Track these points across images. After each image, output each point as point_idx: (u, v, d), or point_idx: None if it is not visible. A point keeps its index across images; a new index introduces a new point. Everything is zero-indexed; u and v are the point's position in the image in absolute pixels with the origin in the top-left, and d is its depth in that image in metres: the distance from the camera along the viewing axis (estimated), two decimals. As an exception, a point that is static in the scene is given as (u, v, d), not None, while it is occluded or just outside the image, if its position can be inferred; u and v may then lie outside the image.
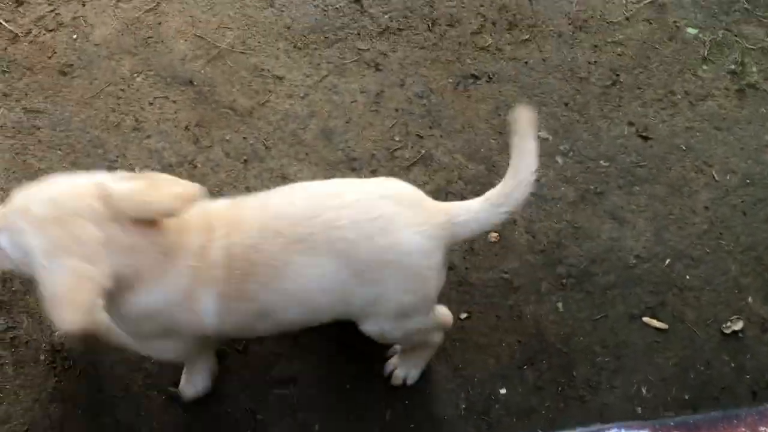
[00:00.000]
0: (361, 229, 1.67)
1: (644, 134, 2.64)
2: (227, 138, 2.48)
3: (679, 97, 2.73)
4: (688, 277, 2.44)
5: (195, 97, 2.52)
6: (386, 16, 2.74)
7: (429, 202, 1.87)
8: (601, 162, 2.58)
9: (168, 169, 2.40)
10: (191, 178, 2.39)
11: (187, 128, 2.47)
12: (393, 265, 1.71)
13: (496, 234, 2.45)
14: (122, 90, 2.50)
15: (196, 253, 1.60)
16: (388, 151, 2.54)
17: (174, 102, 2.50)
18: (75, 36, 2.56)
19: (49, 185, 1.52)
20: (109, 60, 2.54)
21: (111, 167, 2.37)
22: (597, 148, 2.60)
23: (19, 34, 2.52)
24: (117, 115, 2.46)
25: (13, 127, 2.39)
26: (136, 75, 2.53)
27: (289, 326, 1.86)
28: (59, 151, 2.38)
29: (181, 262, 1.58)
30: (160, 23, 2.62)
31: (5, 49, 2.50)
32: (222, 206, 1.72)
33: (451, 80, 2.68)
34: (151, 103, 2.49)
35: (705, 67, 2.80)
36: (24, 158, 2.36)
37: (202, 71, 2.56)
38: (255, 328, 1.80)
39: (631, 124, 2.66)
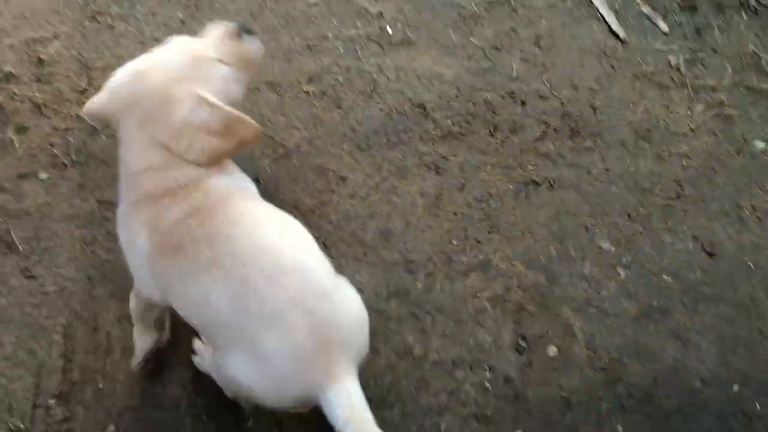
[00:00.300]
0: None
1: (710, 250, 2.58)
2: (288, 236, 2.51)
3: (747, 212, 2.67)
4: (757, 405, 2.32)
5: (261, 193, 2.57)
6: (448, 121, 2.78)
7: None
8: (665, 277, 2.52)
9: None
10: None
11: (249, 225, 2.51)
12: None
13: (555, 348, 2.39)
14: (190, 185, 2.57)
15: (170, 198, 1.80)
16: (446, 255, 2.53)
17: (239, 199, 2.56)
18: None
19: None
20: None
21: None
22: (660, 262, 2.55)
23: (98, 129, 2.64)
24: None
25: (85, 218, 2.47)
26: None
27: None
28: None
29: (158, 192, 1.80)
30: (230, 121, 2.71)
31: (84, 142, 2.62)
32: (224, 192, 1.88)
33: (511, 186, 2.68)
34: (217, 199, 2.55)
35: (773, 182, 2.74)
36: (92, 248, 2.43)
37: (269, 169, 2.63)
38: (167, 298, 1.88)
39: (695, 238, 2.60)
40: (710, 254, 2.57)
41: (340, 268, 2.45)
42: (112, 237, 2.45)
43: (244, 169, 2.62)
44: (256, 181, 2.58)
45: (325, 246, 2.50)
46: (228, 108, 1.87)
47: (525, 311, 2.45)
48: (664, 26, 3.09)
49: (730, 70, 3.00)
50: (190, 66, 1.89)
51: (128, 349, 2.22)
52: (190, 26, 2.93)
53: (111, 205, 2.51)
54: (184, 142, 1.81)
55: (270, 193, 2.57)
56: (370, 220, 2.57)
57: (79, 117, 2.67)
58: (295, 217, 2.51)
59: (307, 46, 2.92)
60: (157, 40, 2.83)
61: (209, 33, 2.09)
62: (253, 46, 2.11)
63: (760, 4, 3.22)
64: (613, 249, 2.57)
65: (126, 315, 2.20)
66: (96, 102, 1.89)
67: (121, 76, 1.89)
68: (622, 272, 2.53)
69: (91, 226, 2.47)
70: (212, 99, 1.84)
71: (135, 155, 1.84)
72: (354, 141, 2.71)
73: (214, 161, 1.87)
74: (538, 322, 2.44)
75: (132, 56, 2.74)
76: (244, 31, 2.08)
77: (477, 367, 2.36)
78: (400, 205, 2.61)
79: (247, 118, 1.91)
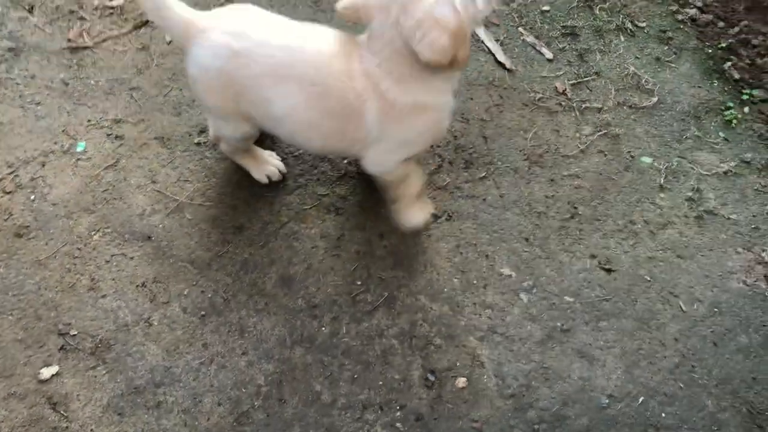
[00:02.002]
0: None
1: (607, 266, 2.63)
2: (185, 293, 2.44)
3: (639, 226, 2.74)
4: (663, 415, 2.36)
5: (152, 253, 2.50)
6: (345, 161, 2.78)
7: None
8: (566, 298, 2.56)
9: (123, 329, 2.35)
10: (146, 336, 2.35)
11: (144, 285, 2.44)
12: None
13: (464, 379, 2.38)
14: (79, 249, 2.48)
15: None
16: (350, 296, 2.51)
17: (131, 259, 2.48)
18: (33, 197, 2.57)
19: None
20: (67, 219, 2.54)
21: (63, 331, 2.32)
22: (561, 284, 2.58)
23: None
24: (72, 275, 2.43)
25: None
26: (93, 233, 2.52)
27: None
28: (10, 317, 2.33)
29: None
30: (119, 179, 2.64)
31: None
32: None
33: (411, 220, 2.69)
34: (107, 261, 2.47)
35: (662, 195, 2.83)
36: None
37: (161, 225, 2.56)
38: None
39: (593, 256, 2.65)
40: (608, 270, 2.62)
41: (240, 320, 2.40)
42: None
43: (134, 228, 2.57)
44: (148, 238, 2.52)
45: (224, 300, 2.44)
46: (465, 19, 2.01)
47: (432, 345, 2.44)
48: (548, 53, 3.20)
49: (613, 91, 3.11)
50: None
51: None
52: (74, 87, 2.86)
53: None
54: (420, 33, 1.97)
55: (163, 250, 2.51)
56: (270, 267, 2.53)
57: (-45, 188, 2.56)
58: (191, 273, 2.48)
59: (197, 97, 2.89)
60: (39, 104, 2.77)
61: None
62: None
63: (636, 26, 3.37)
64: (514, 275, 2.59)
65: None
66: None
67: None
68: (524, 297, 2.55)
69: None
70: (458, 3, 1.98)
71: (374, 51, 2.09)
72: (249, 189, 2.67)
73: (436, 62, 2.02)
74: (445, 355, 2.43)
75: (11, 123, 2.68)
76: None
77: (387, 407, 2.33)
78: (300, 249, 2.58)
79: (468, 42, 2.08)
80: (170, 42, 3.02)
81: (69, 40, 2.98)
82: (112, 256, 2.48)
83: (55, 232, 2.51)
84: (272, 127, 2.31)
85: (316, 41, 2.17)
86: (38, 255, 2.46)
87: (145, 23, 3.06)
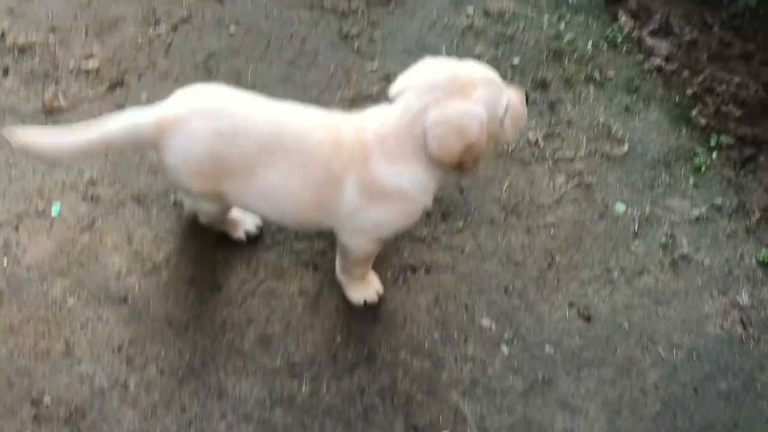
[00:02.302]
0: None
1: (586, 315, 2.64)
2: (162, 355, 2.40)
3: (616, 274, 2.77)
4: (648, 465, 2.34)
5: (129, 315, 2.47)
6: (322, 216, 2.79)
7: None
8: (547, 347, 2.56)
9: (98, 394, 2.30)
10: (122, 401, 2.30)
11: (120, 348, 2.40)
12: None
13: (446, 433, 2.36)
14: (53, 314, 2.44)
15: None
16: (330, 353, 2.48)
17: (107, 321, 2.44)
18: (6, 260, 2.53)
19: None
20: (41, 283, 2.50)
21: (36, 400, 2.27)
22: (541, 334, 2.59)
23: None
24: (46, 341, 2.38)
25: None
26: (68, 296, 2.48)
27: None
28: (-19, 386, 2.27)
29: None
30: (95, 241, 2.62)
31: None
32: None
33: (389, 274, 2.69)
34: (83, 325, 2.43)
35: (637, 242, 2.87)
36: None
37: (137, 286, 2.53)
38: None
39: (571, 305, 2.67)
40: (587, 319, 2.63)
41: (219, 382, 2.37)
42: None
43: (110, 290, 2.53)
44: (125, 300, 2.49)
45: (202, 361, 2.40)
46: (487, 138, 2.11)
47: (414, 401, 2.42)
48: (519, 104, 3.26)
49: (585, 141, 3.18)
50: (490, 83, 2.14)
51: None
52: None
53: None
54: (440, 129, 2.05)
55: (140, 312, 2.48)
56: (249, 326, 2.50)
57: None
58: (168, 334, 2.45)
59: (173, 156, 2.89)
60: (13, 166, 2.75)
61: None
62: (524, 111, 2.33)
63: (605, 77, 3.46)
64: (494, 326, 2.59)
65: None
66: (400, 81, 2.18)
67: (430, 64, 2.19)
68: (505, 348, 2.55)
69: None
70: (485, 119, 2.07)
71: (387, 126, 2.13)
72: (226, 248, 2.66)
73: (438, 159, 2.09)
74: (428, 411, 2.40)
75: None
76: (526, 98, 2.35)
77: (370, 467, 2.29)
78: (279, 307, 2.56)
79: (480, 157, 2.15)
80: (147, 100, 3.03)
81: (43, 103, 2.98)
82: (88, 319, 2.44)
83: (28, 296, 2.47)
84: (252, 202, 2.26)
85: (299, 114, 2.21)
86: (11, 321, 2.41)
87: (121, 83, 3.08)
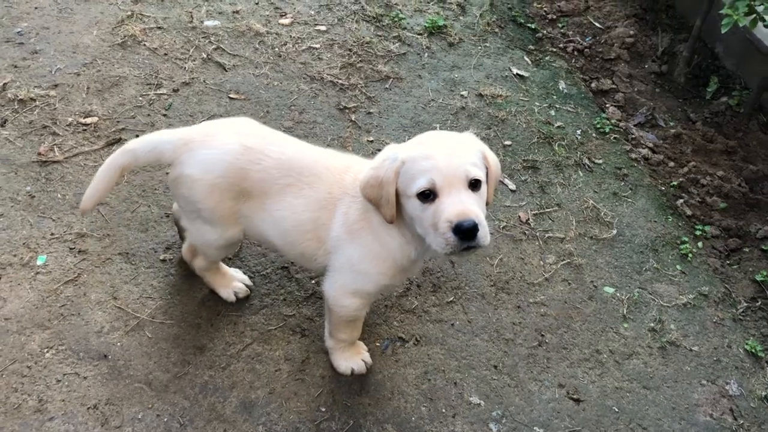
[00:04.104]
0: None
1: (575, 396, 2.60)
2: (139, 416, 2.30)
3: (605, 356, 2.75)
4: None
5: (108, 372, 2.38)
6: (312, 282, 2.76)
7: None
8: (536, 429, 2.49)
9: (68, 455, 2.18)
10: (94, 465, 2.18)
11: (95, 407, 2.29)
12: None
13: None
14: (28, 367, 2.34)
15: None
16: (314, 423, 2.40)
17: (84, 378, 2.35)
18: (-15, 310, 2.45)
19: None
20: (19, 335, 2.41)
21: (2, 457, 2.15)
22: (530, 414, 2.53)
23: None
24: (19, 395, 2.27)
25: None
26: (46, 350, 2.39)
27: None
28: (-55, 441, 2.15)
29: None
30: (78, 295, 2.56)
31: None
32: None
33: (378, 343, 2.64)
34: (58, 381, 2.33)
35: (626, 325, 2.86)
36: None
37: (119, 344, 2.45)
38: None
39: (561, 386, 2.62)
40: (576, 401, 2.59)
41: (196, 448, 2.26)
42: None
43: (90, 346, 2.45)
44: (104, 357, 2.41)
45: (180, 425, 2.30)
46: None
47: (399, 478, 2.32)
48: (511, 185, 3.32)
49: (574, 223, 3.22)
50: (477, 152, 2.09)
51: None
52: (40, 199, 2.82)
53: None
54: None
55: (119, 370, 2.39)
56: (231, 391, 2.42)
57: None
58: (147, 394, 2.36)
59: (165, 214, 2.87)
60: (1, 216, 2.71)
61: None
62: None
63: (593, 162, 3.55)
64: (482, 403, 2.53)
65: None
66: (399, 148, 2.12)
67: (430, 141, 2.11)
68: (493, 427, 2.48)
69: None
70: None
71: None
72: (213, 308, 2.61)
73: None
74: (413, 489, 2.31)
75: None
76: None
77: None
78: (263, 372, 2.49)
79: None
80: (142, 159, 3.04)
81: (39, 154, 2.97)
82: (64, 375, 2.34)
83: (4, 348, 2.37)
84: (261, 225, 2.29)
85: (318, 148, 2.34)
86: (-17, 374, 2.31)
87: (118, 140, 3.09)
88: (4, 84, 3.23)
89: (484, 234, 1.95)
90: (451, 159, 1.98)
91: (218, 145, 2.23)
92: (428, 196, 1.98)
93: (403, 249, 2.18)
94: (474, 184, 2.00)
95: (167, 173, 3.00)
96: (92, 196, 2.32)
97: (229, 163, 2.20)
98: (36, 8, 3.67)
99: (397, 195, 2.05)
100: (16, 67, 3.34)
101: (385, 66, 3.83)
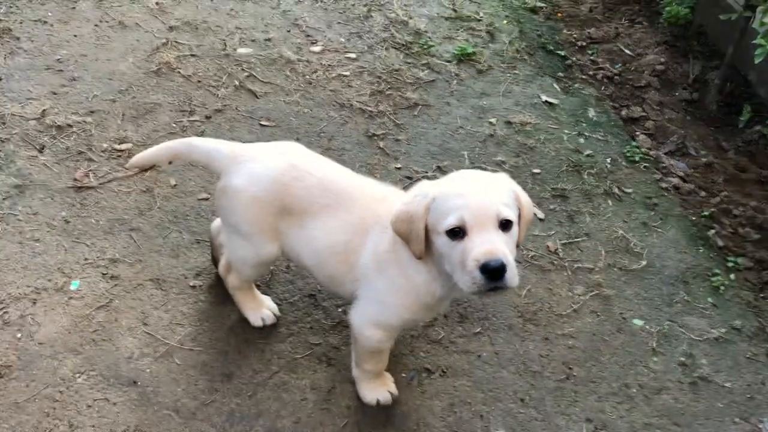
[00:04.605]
0: None
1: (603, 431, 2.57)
2: (167, 444, 2.33)
3: (634, 390, 2.71)
4: None
5: (137, 399, 2.41)
6: (339, 310, 2.77)
7: None
8: (563, 464, 2.47)
9: (97, 481, 2.21)
10: (122, 491, 2.20)
11: (124, 433, 2.33)
12: None
13: None
14: (60, 392, 2.39)
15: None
16: (339, 454, 2.40)
17: (114, 404, 2.38)
18: (19, 335, 2.51)
19: None
20: (52, 360, 2.46)
21: (33, 482, 2.18)
22: (557, 449, 2.50)
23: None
24: (51, 420, 2.31)
25: None
26: (77, 375, 2.43)
27: None
28: (-21, 464, 2.19)
29: None
30: (110, 320, 2.60)
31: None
32: None
33: (404, 374, 2.64)
34: (89, 406, 2.37)
35: (655, 359, 2.82)
36: None
37: (148, 370, 2.49)
38: None
39: (589, 420, 2.59)
40: (604, 436, 2.56)
41: (222, 477, 2.27)
42: None
43: (120, 372, 2.49)
44: (134, 383, 2.45)
45: (207, 452, 2.32)
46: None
47: None
48: (540, 214, 3.31)
49: (603, 253, 3.20)
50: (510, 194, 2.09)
51: None
52: (74, 225, 2.89)
53: None
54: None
55: (148, 396, 2.42)
56: (257, 419, 2.43)
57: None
58: (175, 422, 2.38)
59: (196, 240, 2.92)
60: (37, 241, 2.78)
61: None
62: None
63: (623, 191, 3.52)
64: (509, 437, 2.51)
65: None
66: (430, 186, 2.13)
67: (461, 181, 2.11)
68: (520, 461, 2.46)
69: None
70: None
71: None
72: (241, 335, 2.64)
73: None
74: None
75: (8, 258, 2.67)
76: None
77: None
78: (289, 401, 2.50)
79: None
80: (175, 185, 3.10)
81: (75, 180, 3.05)
82: (95, 400, 2.38)
83: (38, 373, 2.42)
84: (297, 244, 2.34)
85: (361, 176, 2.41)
86: (17, 397, 2.35)
87: (152, 167, 3.15)
88: (44, 110, 3.32)
89: (512, 275, 1.95)
90: (482, 197, 1.98)
91: (265, 160, 2.33)
92: (457, 233, 1.98)
93: (429, 285, 2.19)
94: (505, 225, 2.00)
95: (199, 199, 3.07)
96: (140, 160, 2.54)
97: (273, 178, 2.29)
98: (75, 36, 3.78)
99: (427, 231, 2.06)
100: (55, 93, 3.43)
101: (414, 93, 3.86)
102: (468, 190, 2.01)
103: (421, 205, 2.05)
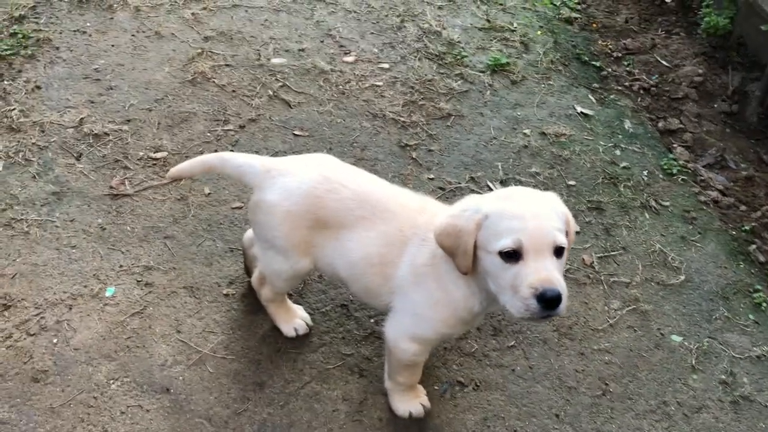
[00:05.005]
0: None
1: (642, 450, 2.50)
2: (199, 452, 2.32)
3: (673, 408, 2.64)
4: None
5: (170, 406, 2.41)
6: (371, 321, 2.75)
7: None
8: (599, 482, 2.41)
9: (130, 488, 2.21)
10: (154, 499, 2.20)
11: (157, 441, 2.33)
12: None
13: None
14: (95, 398, 2.40)
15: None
16: (371, 467, 2.37)
17: (147, 411, 2.39)
18: (56, 340, 2.53)
19: None
20: (87, 365, 2.48)
21: (67, 488, 2.19)
22: (593, 466, 2.45)
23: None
24: (85, 425, 2.32)
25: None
26: (111, 381, 2.45)
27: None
28: (14, 468, 2.21)
29: None
30: (144, 327, 2.61)
31: (-15, 352, 2.46)
32: None
33: (436, 387, 2.61)
34: (123, 413, 2.37)
35: (695, 376, 2.75)
36: None
37: (181, 378, 2.49)
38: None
39: (626, 438, 2.53)
40: (642, 455, 2.49)
41: (254, 487, 2.26)
42: None
43: (154, 379, 2.49)
44: (167, 391, 2.45)
45: (239, 461, 2.31)
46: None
47: None
48: (575, 226, 3.25)
49: (640, 267, 3.13)
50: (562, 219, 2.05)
51: None
52: (110, 232, 2.91)
53: (1, 424, 2.30)
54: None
55: (181, 404, 2.42)
56: (289, 430, 2.42)
57: (-21, 326, 2.53)
58: (208, 431, 2.37)
59: (230, 249, 2.92)
60: (74, 247, 2.81)
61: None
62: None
63: (660, 204, 3.46)
64: (544, 454, 2.46)
65: None
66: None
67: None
68: (555, 479, 2.41)
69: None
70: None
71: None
72: (273, 344, 2.63)
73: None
74: None
75: (45, 264, 2.70)
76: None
77: None
78: (321, 412, 2.48)
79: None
80: (209, 194, 3.11)
81: (111, 187, 3.08)
82: (128, 407, 2.39)
83: (73, 378, 2.44)
84: (331, 257, 2.33)
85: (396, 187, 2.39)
86: (53, 402, 2.37)
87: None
88: (81, 119, 3.37)
89: (565, 305, 1.92)
90: (540, 222, 1.95)
91: (298, 173, 2.32)
92: (512, 256, 1.94)
93: (467, 301, 2.16)
94: (558, 251, 1.97)
95: (233, 208, 3.08)
96: (176, 173, 2.58)
97: (306, 191, 2.27)
98: (113, 46, 3.83)
99: (474, 248, 2.03)
100: (92, 102, 3.48)
101: (447, 103, 3.84)
102: (525, 213, 1.96)
103: (472, 220, 2.02)
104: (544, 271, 1.91)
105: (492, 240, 1.97)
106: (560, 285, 1.92)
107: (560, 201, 2.11)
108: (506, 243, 1.94)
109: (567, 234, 2.04)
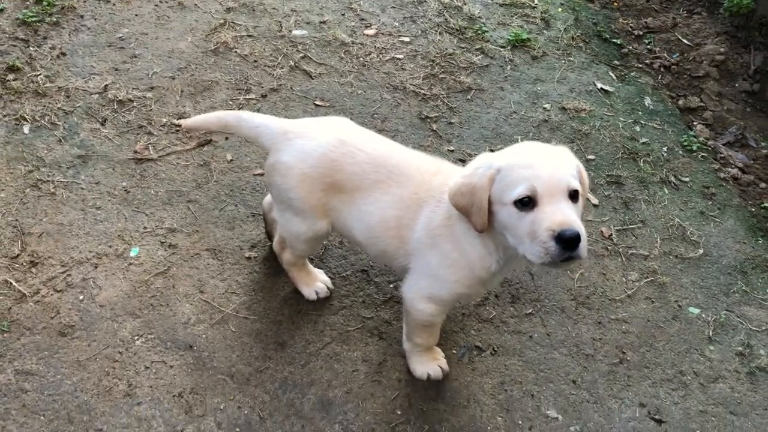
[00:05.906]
0: None
1: (657, 417, 2.52)
2: (221, 407, 2.36)
3: (689, 377, 2.66)
4: None
5: (193, 363, 2.46)
6: (391, 286, 2.78)
7: None
8: (615, 446, 2.43)
9: (154, 439, 2.26)
10: (178, 450, 2.25)
11: (180, 395, 2.37)
12: None
13: None
14: (120, 353, 2.44)
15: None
16: (389, 426, 2.41)
17: (171, 367, 2.43)
18: (81, 297, 2.58)
19: None
20: (112, 322, 2.52)
21: (94, 437, 2.24)
22: (609, 431, 2.47)
23: (27, 294, 2.55)
24: (110, 379, 2.38)
25: (0, 390, 2.30)
26: (136, 338, 2.49)
27: None
28: (42, 417, 2.26)
29: None
30: (168, 287, 2.66)
31: (9, 308, 2.51)
32: None
33: (455, 351, 2.64)
34: (147, 368, 2.42)
35: (712, 347, 2.76)
36: (4, 424, 2.23)
37: (204, 336, 2.53)
38: None
39: (642, 405, 2.55)
40: (658, 421, 2.51)
41: (275, 442, 2.30)
42: (27, 410, 2.28)
43: (177, 336, 2.54)
44: (190, 348, 2.49)
45: (260, 418, 2.35)
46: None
47: (473, 487, 2.30)
48: (594, 199, 3.27)
49: (659, 240, 3.14)
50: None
51: None
52: (134, 195, 2.95)
53: (30, 375, 2.36)
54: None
55: (204, 361, 2.47)
56: (310, 388, 2.46)
57: (7, 282, 2.58)
58: (229, 386, 2.42)
59: (252, 214, 2.96)
60: (99, 209, 2.85)
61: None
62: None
63: (680, 180, 3.45)
64: (560, 417, 2.49)
65: None
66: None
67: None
68: (571, 442, 2.43)
69: (5, 398, 2.29)
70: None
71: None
72: (295, 306, 2.66)
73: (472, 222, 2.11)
74: (487, 499, 2.28)
75: (71, 224, 2.75)
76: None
77: None
78: (341, 372, 2.52)
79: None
80: (231, 160, 3.15)
81: (135, 152, 3.12)
82: (152, 362, 2.44)
83: (98, 333, 2.49)
84: (348, 220, 2.35)
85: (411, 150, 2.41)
86: (79, 356, 2.42)
87: (209, 142, 3.20)
88: (106, 85, 3.40)
89: (585, 245, 1.93)
90: (552, 168, 1.97)
91: (314, 136, 2.33)
92: (527, 204, 1.96)
93: (484, 260, 2.18)
94: (573, 195, 1.98)
95: (254, 174, 3.11)
96: (193, 123, 2.62)
97: (322, 154, 2.28)
98: (136, 15, 3.86)
99: (489, 204, 2.05)
100: (116, 69, 3.51)
101: (468, 77, 3.85)
102: (536, 161, 1.99)
103: (485, 176, 2.03)
104: (560, 214, 1.93)
105: (506, 191, 2.00)
106: (578, 225, 1.92)
107: (571, 153, 2.12)
108: (520, 191, 1.96)
109: (580, 183, 2.06)
